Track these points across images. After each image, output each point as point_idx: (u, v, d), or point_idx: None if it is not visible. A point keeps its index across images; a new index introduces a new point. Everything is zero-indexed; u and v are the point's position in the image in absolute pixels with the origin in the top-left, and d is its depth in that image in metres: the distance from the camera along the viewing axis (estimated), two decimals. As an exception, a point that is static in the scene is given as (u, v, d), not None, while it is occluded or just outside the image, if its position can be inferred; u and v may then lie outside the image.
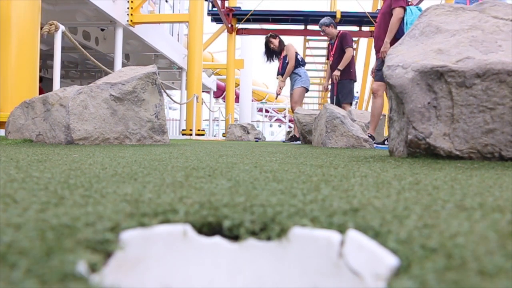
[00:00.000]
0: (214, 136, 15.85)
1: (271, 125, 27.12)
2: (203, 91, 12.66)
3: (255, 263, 0.53)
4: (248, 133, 8.97)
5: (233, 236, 0.55)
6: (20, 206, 0.62)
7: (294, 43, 6.83)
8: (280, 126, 27.84)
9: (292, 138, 7.05)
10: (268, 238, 0.54)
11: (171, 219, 0.56)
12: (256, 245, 0.54)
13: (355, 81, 6.16)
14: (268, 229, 0.55)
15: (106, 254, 0.46)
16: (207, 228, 0.56)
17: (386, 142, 3.44)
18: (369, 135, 4.89)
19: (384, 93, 4.75)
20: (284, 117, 22.67)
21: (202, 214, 0.59)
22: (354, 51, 6.96)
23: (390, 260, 0.42)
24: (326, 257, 0.50)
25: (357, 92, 15.14)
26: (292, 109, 6.44)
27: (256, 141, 6.60)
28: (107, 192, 0.77)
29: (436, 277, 0.37)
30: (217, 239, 0.55)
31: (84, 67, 13.11)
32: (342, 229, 0.53)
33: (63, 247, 0.41)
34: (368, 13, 11.58)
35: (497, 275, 0.37)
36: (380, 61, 4.75)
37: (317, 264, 0.50)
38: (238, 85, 16.11)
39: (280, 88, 6.91)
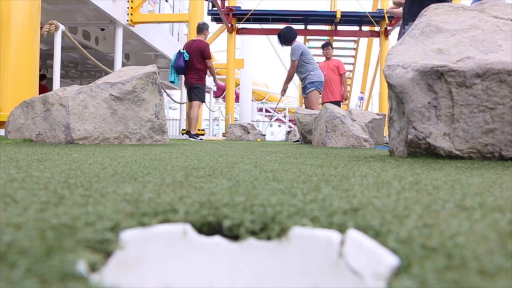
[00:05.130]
0: (214, 135, 15.86)
1: (271, 125, 27.12)
2: (203, 91, 12.61)
3: (255, 262, 0.53)
4: (248, 132, 8.97)
5: (233, 235, 0.55)
6: (20, 206, 0.62)
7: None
8: (280, 126, 27.84)
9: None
10: (268, 238, 0.54)
11: (171, 218, 0.56)
12: (256, 244, 0.54)
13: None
14: (268, 228, 0.55)
15: (106, 254, 0.46)
16: (207, 228, 0.56)
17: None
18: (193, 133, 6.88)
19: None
20: (284, 117, 22.68)
21: (202, 214, 0.59)
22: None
23: (390, 260, 0.42)
24: (326, 257, 0.50)
25: (361, 93, 15.11)
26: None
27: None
28: (107, 191, 0.77)
29: (436, 277, 0.37)
30: (217, 239, 0.55)
31: (84, 67, 13.11)
32: (342, 229, 0.53)
33: (63, 247, 0.41)
34: (368, 13, 11.57)
35: (497, 274, 0.37)
36: None
37: (317, 263, 0.50)
38: (238, 84, 16.11)
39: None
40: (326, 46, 8.10)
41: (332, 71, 7.80)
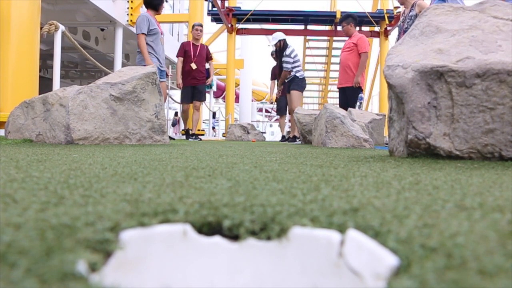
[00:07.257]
0: (214, 136, 15.86)
1: (271, 125, 27.12)
2: (203, 91, 12.64)
3: (255, 262, 0.53)
4: (248, 133, 8.96)
5: (233, 235, 0.55)
6: (20, 206, 0.62)
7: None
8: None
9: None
10: (268, 238, 0.54)
11: (171, 218, 0.56)
12: (256, 244, 0.54)
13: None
14: (268, 228, 0.55)
15: (106, 254, 0.46)
16: (207, 228, 0.56)
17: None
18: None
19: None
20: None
21: (202, 214, 0.59)
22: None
23: (390, 260, 0.42)
24: (326, 257, 0.50)
25: (361, 93, 15.09)
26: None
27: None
28: (107, 192, 0.77)
29: (436, 277, 0.37)
30: (217, 239, 0.55)
31: (84, 67, 13.11)
32: (342, 229, 0.53)
33: (63, 247, 0.41)
34: (368, 13, 11.57)
35: (497, 274, 0.37)
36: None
37: (317, 263, 0.50)
38: (238, 85, 16.11)
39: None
40: (343, 20, 6.11)
41: (348, 51, 5.88)
